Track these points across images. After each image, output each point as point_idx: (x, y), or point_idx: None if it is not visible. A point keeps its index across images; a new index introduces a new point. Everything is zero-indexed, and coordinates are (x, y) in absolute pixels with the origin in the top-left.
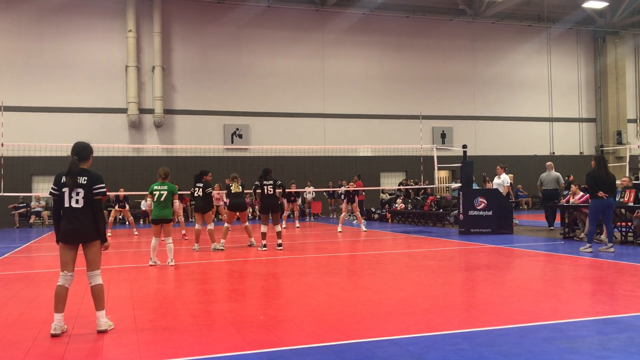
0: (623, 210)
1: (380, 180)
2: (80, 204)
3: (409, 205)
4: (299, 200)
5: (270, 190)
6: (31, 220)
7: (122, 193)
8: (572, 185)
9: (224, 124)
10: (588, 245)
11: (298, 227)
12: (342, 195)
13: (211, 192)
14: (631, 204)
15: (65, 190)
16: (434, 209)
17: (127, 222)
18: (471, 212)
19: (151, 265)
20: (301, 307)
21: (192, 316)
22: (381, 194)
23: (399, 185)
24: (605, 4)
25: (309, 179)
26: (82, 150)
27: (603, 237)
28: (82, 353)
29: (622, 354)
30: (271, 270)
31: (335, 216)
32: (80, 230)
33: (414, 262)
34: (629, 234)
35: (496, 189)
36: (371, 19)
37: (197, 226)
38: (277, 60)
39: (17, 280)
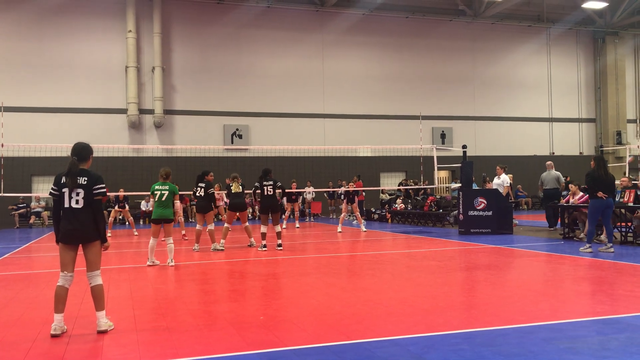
0: (623, 211)
1: (380, 181)
2: (80, 205)
3: (409, 206)
4: (300, 200)
5: (270, 191)
6: (31, 221)
7: (122, 193)
8: (572, 186)
9: (223, 125)
10: (588, 245)
11: (298, 227)
12: (342, 196)
13: (213, 193)
14: (631, 204)
15: (65, 190)
16: (433, 209)
17: (127, 223)
18: (471, 213)
19: (149, 266)
20: (301, 307)
21: (192, 316)
22: (381, 194)
23: (398, 186)
24: (605, 4)
25: (309, 179)
26: (81, 150)
27: (603, 237)
28: (82, 353)
29: (622, 354)
30: (271, 271)
31: (335, 216)
32: (80, 230)
33: (413, 262)
34: (628, 234)
35: (496, 189)
36: (371, 19)
37: (197, 226)
38: (276, 61)
39: (17, 280)
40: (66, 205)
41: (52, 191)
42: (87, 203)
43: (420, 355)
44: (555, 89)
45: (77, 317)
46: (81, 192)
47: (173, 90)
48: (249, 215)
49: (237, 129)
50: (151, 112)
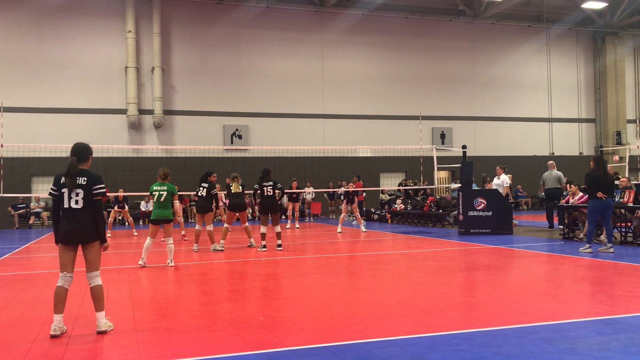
0: (622, 211)
1: (379, 181)
2: (80, 205)
3: (409, 206)
4: (302, 197)
5: (270, 191)
6: (30, 221)
7: (121, 194)
8: (572, 186)
9: (223, 125)
10: (587, 245)
11: (297, 227)
12: (342, 196)
13: (216, 194)
14: (630, 204)
15: (65, 191)
16: (433, 210)
17: (126, 223)
18: (471, 213)
19: (140, 266)
20: (301, 307)
21: (192, 317)
22: (381, 195)
23: (398, 186)
24: (605, 4)
25: (309, 179)
26: (81, 151)
27: (602, 237)
28: (81, 354)
29: (621, 354)
30: (271, 271)
31: (334, 217)
32: (80, 231)
33: (413, 262)
34: (628, 235)
35: (496, 190)
36: (370, 19)
37: (197, 227)
38: (276, 61)
39: (17, 281)
40: (66, 205)
41: (51, 191)
42: (86, 203)
43: (419, 355)
44: (555, 89)
45: (76, 318)
46: (81, 192)
47: (173, 90)
48: (249, 215)
49: (237, 129)
50: (151, 112)
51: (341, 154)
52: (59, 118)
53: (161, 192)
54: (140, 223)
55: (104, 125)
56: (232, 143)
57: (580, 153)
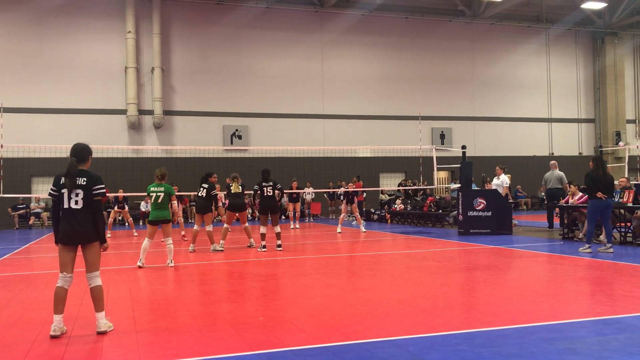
0: (622, 211)
1: (379, 181)
2: (80, 205)
3: (408, 206)
4: (301, 198)
5: (270, 192)
6: (30, 222)
7: (121, 194)
8: (572, 186)
9: (223, 125)
10: (587, 245)
11: (297, 227)
12: (342, 196)
13: (216, 195)
14: (630, 204)
15: (65, 191)
16: (433, 210)
17: (126, 224)
18: (470, 213)
19: (139, 267)
20: (301, 308)
21: (192, 317)
22: (380, 195)
23: (398, 186)
24: (604, 4)
25: (309, 179)
26: (80, 151)
27: (602, 237)
28: (81, 354)
29: (621, 354)
30: (271, 271)
31: (334, 217)
32: (80, 231)
33: (413, 262)
34: (628, 235)
35: (495, 190)
36: (370, 19)
37: (195, 227)
38: (276, 61)
39: (17, 281)
40: (65, 206)
41: (51, 192)
42: (86, 204)
43: (419, 355)
44: (555, 90)
45: (76, 318)
46: (80, 192)
47: (172, 90)
48: (249, 216)
49: (237, 130)
50: (151, 112)
51: (341, 154)
52: (58, 118)
53: (158, 194)
54: (140, 223)
55: (104, 125)
56: (232, 143)
57: (580, 153)
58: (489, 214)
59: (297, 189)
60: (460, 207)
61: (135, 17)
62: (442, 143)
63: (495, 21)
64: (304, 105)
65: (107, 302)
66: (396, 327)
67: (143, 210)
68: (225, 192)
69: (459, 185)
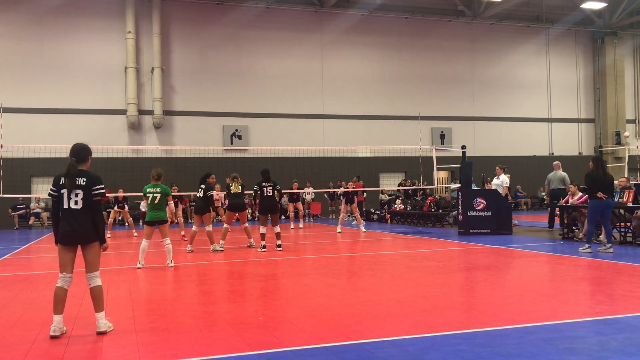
0: (622, 211)
1: (379, 181)
2: (80, 205)
3: (408, 206)
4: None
5: (269, 192)
6: (30, 222)
7: (121, 194)
8: (572, 186)
9: (223, 125)
10: (587, 245)
11: (293, 228)
12: (342, 196)
13: (212, 195)
14: (630, 204)
15: (64, 191)
16: (433, 210)
17: (126, 224)
18: (470, 213)
19: (139, 268)
20: (300, 308)
21: (192, 317)
22: (380, 195)
23: (398, 186)
24: (604, 4)
25: (309, 179)
26: (80, 151)
27: (602, 237)
28: (81, 354)
29: (621, 354)
30: (270, 271)
31: (334, 217)
32: (79, 231)
33: (413, 262)
34: (627, 235)
35: (495, 190)
36: (370, 20)
37: (194, 227)
38: (276, 61)
39: (17, 281)
40: (65, 206)
41: (51, 192)
42: (86, 204)
43: (419, 355)
44: (555, 90)
45: (76, 318)
46: (80, 193)
47: (172, 91)
48: (248, 216)
49: (237, 130)
50: (150, 112)
51: (341, 154)
52: (58, 118)
53: (155, 195)
54: (140, 223)
55: (104, 125)
56: (231, 143)
57: (580, 153)
58: (489, 214)
59: (298, 189)
60: (460, 207)
61: (135, 17)
62: (442, 143)
63: (495, 21)
64: (303, 106)
65: (107, 302)
66: (396, 327)
67: (143, 210)
68: (225, 192)
69: (459, 185)
